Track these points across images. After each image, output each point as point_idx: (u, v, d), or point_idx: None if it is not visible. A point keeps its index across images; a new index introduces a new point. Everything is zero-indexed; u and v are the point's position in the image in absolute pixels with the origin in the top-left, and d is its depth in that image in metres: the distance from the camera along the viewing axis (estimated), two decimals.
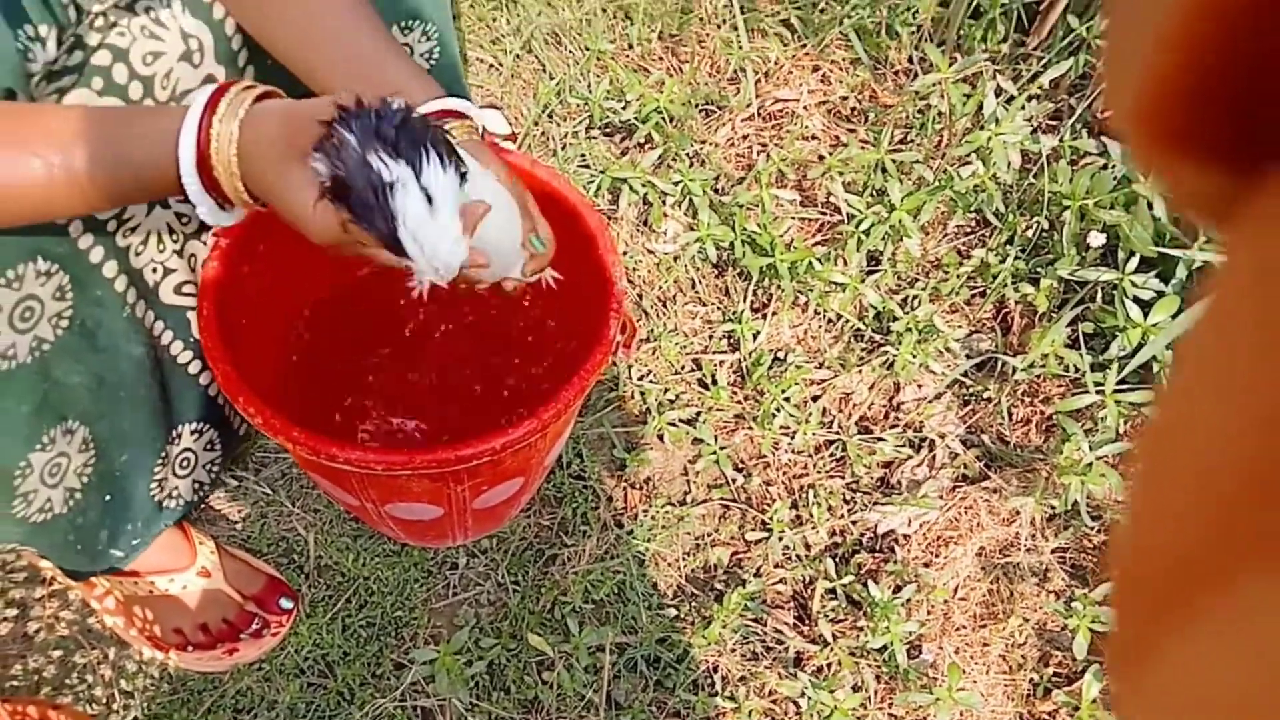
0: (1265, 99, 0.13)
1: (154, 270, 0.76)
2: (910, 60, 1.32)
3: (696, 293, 1.18)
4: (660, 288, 1.17)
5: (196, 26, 0.68)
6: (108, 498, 0.77)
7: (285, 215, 0.57)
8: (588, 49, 1.32)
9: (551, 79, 1.30)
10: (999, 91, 1.20)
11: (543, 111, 1.28)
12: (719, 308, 1.17)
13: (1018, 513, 1.03)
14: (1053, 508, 1.02)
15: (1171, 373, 0.14)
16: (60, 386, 0.68)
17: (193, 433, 0.85)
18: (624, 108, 1.25)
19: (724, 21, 1.35)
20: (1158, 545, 0.14)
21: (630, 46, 1.34)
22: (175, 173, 0.58)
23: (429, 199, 0.53)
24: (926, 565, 1.01)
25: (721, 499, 1.04)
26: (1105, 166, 1.12)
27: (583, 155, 1.25)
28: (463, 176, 0.56)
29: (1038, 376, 1.09)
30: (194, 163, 0.57)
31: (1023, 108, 1.18)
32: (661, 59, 1.34)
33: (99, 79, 0.64)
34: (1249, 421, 0.12)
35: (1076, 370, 1.06)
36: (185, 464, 0.85)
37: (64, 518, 0.74)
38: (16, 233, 0.61)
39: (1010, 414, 1.09)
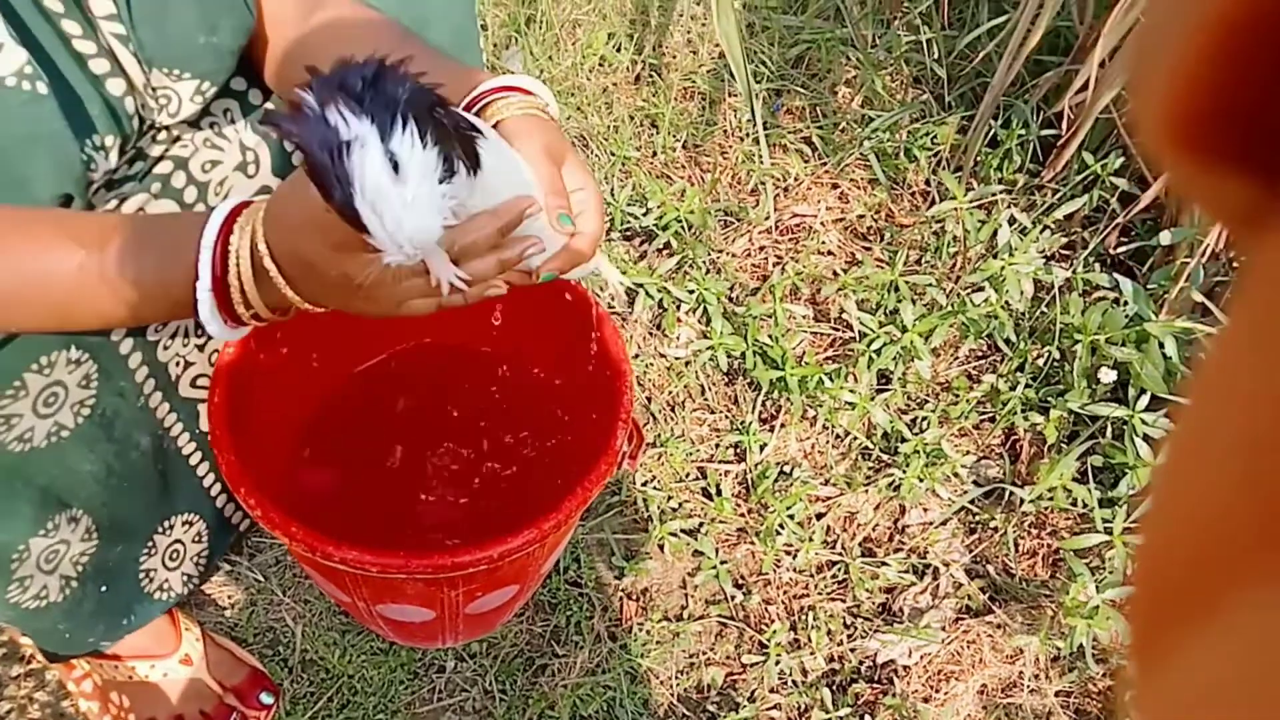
0: None
1: (177, 364, 0.76)
2: (928, 183, 1.34)
3: (706, 400, 1.18)
4: (670, 392, 1.17)
5: (256, 141, 0.70)
6: (103, 589, 0.77)
7: (303, 237, 0.52)
8: (614, 154, 1.36)
9: None
10: (1012, 221, 1.22)
11: None
12: (727, 416, 1.17)
13: (1021, 651, 1.00)
14: (1058, 649, 0.99)
15: (1193, 381, 0.15)
16: (70, 474, 0.67)
17: (184, 524, 0.84)
18: (645, 214, 1.28)
19: (746, 135, 1.38)
20: (1171, 550, 0.14)
21: (654, 154, 1.37)
22: (195, 254, 0.55)
23: (395, 166, 0.45)
24: (926, 700, 0.98)
25: (719, 616, 1.02)
26: (1117, 302, 1.13)
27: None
28: (467, 156, 0.48)
29: (1045, 508, 1.08)
30: (218, 229, 0.55)
31: (1036, 240, 1.20)
32: (684, 168, 1.38)
33: (157, 184, 0.66)
34: (1247, 435, 0.12)
35: (1085, 505, 1.05)
36: (175, 555, 0.84)
37: (58, 606, 0.73)
38: None
39: (1016, 545, 1.07)
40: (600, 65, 1.45)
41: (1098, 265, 1.23)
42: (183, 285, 0.56)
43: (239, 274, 0.55)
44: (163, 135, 0.66)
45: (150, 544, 0.81)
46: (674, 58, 1.46)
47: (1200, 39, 0.13)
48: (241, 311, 0.57)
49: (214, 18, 0.64)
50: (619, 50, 1.46)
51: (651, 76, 1.44)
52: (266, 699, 0.91)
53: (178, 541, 0.83)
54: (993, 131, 1.33)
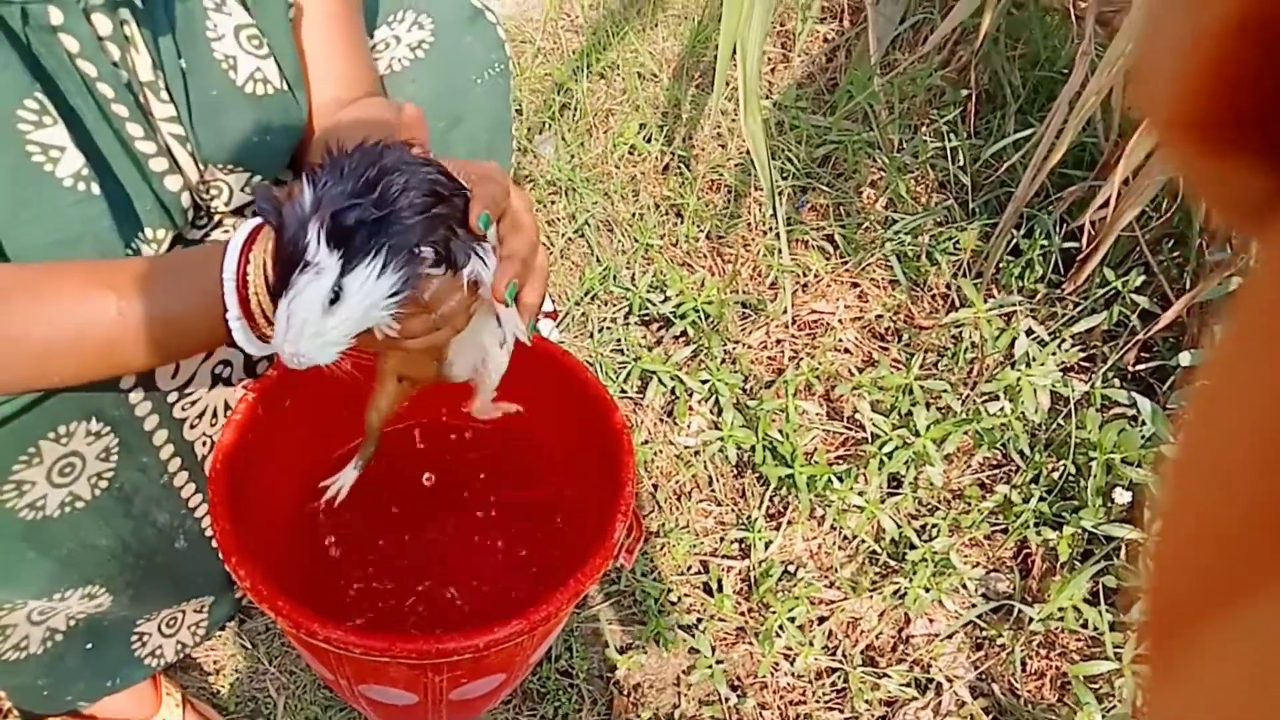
0: None
1: (203, 444, 0.77)
2: (948, 287, 1.35)
3: (713, 491, 1.17)
4: (677, 481, 1.16)
5: None
6: (89, 646, 0.76)
7: None
8: (637, 240, 1.38)
9: (599, 264, 1.35)
10: (1030, 332, 1.22)
11: (586, 294, 1.32)
12: (734, 509, 1.15)
13: None
14: None
15: (1199, 381, 0.14)
16: (87, 548, 0.68)
17: (196, 600, 0.84)
18: (664, 301, 1.29)
19: (769, 229, 1.40)
20: (1186, 554, 0.14)
21: (677, 243, 1.39)
22: (219, 273, 0.57)
23: (336, 296, 0.49)
24: None
25: (712, 718, 0.99)
26: (1135, 420, 1.11)
27: (618, 341, 1.28)
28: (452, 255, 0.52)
29: (1055, 628, 1.04)
30: (239, 250, 0.57)
31: (1054, 352, 1.19)
32: (706, 257, 1.39)
33: None
34: (1257, 444, 0.12)
35: (1096, 628, 1.01)
36: (172, 623, 0.83)
37: (37, 659, 0.73)
38: (80, 389, 0.62)
39: (1024, 665, 1.04)
40: (630, 154, 1.48)
41: (1117, 381, 1.21)
42: (217, 315, 0.57)
43: (259, 301, 0.57)
44: (204, 221, 0.68)
45: (153, 612, 0.80)
46: (702, 150, 1.49)
47: (1214, 28, 0.13)
48: (268, 331, 0.58)
49: (268, 118, 0.68)
50: (649, 140, 1.49)
51: (680, 167, 1.47)
52: None
53: (179, 611, 0.83)
54: (1015, 241, 1.33)
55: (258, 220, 0.58)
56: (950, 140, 1.44)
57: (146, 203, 0.63)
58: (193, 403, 0.74)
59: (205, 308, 0.57)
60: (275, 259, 0.50)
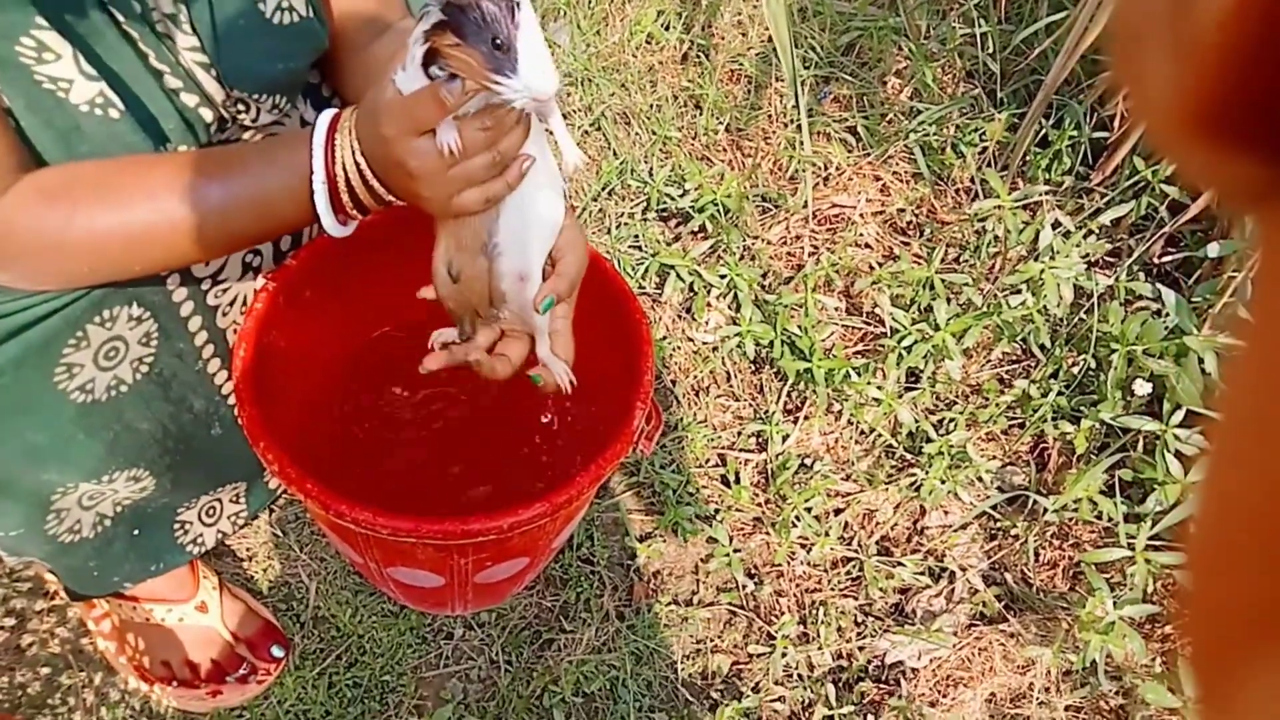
0: None
1: (233, 332, 0.78)
2: (972, 180, 1.32)
3: (730, 387, 1.17)
4: (695, 377, 1.17)
5: (314, 118, 0.73)
6: (135, 532, 0.79)
7: (401, 136, 0.56)
8: (655, 133, 1.35)
9: (616, 157, 1.33)
10: (1056, 224, 1.19)
11: (603, 189, 1.29)
12: (751, 404, 1.16)
13: (1033, 662, 0.99)
14: (1070, 663, 0.98)
15: (1221, 390, 0.14)
16: (131, 432, 0.70)
17: (230, 486, 0.86)
18: (682, 195, 1.27)
19: (790, 121, 1.36)
20: (1220, 592, 0.13)
21: (696, 135, 1.36)
22: (309, 160, 0.60)
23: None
24: (933, 705, 0.97)
25: (729, 604, 1.02)
26: (1158, 313, 1.10)
27: (636, 236, 1.26)
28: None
29: (1069, 519, 1.06)
30: (326, 130, 0.60)
31: (1078, 245, 1.17)
32: (725, 150, 1.36)
33: None
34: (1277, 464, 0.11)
35: (1110, 519, 1.03)
36: (211, 512, 0.86)
37: (89, 543, 0.75)
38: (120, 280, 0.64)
39: (1037, 555, 1.05)
40: (648, 43, 1.44)
41: (1142, 274, 1.19)
42: (304, 192, 0.60)
43: (345, 170, 0.60)
44: (229, 126, 0.69)
45: (193, 499, 0.83)
46: (722, 38, 1.44)
47: (1216, 19, 0.12)
48: (347, 202, 0.61)
49: (292, 46, 0.68)
50: (667, 28, 1.44)
51: (698, 56, 1.42)
52: (277, 652, 0.92)
53: (217, 500, 0.85)
54: (1043, 131, 1.30)
55: (334, 110, 0.61)
56: (980, 26, 1.38)
57: (170, 121, 0.64)
58: (224, 290, 0.75)
59: (293, 185, 0.60)
60: (470, 20, 0.53)
